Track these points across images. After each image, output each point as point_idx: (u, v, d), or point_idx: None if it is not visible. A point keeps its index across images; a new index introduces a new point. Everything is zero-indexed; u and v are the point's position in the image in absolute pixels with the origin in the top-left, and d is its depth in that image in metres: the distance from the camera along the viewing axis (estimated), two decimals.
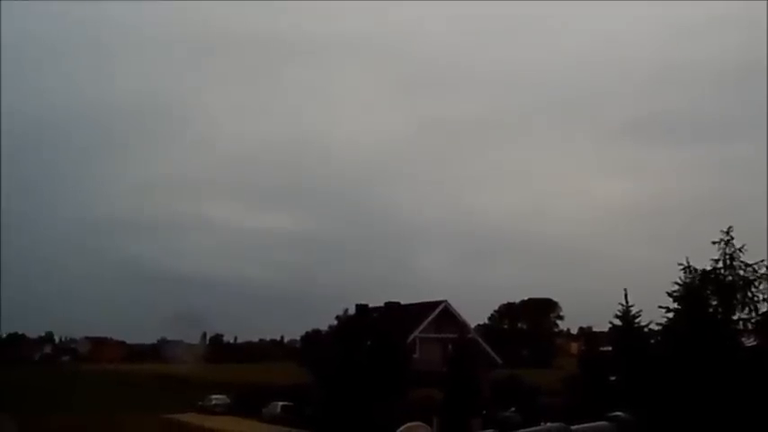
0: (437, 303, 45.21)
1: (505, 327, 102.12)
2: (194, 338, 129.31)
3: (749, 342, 20.57)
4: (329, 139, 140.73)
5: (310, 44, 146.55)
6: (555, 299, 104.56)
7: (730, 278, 20.66)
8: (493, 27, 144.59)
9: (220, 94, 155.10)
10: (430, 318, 44.20)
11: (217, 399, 45.53)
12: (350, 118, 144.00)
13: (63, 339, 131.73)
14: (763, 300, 20.33)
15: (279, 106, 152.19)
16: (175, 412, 40.50)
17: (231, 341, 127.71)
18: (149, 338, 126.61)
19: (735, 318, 20.59)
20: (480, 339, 47.65)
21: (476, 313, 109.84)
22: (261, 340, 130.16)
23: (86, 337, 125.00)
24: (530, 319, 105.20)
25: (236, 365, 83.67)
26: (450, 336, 40.06)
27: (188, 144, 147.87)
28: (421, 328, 43.55)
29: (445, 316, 44.68)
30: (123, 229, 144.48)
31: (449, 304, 45.26)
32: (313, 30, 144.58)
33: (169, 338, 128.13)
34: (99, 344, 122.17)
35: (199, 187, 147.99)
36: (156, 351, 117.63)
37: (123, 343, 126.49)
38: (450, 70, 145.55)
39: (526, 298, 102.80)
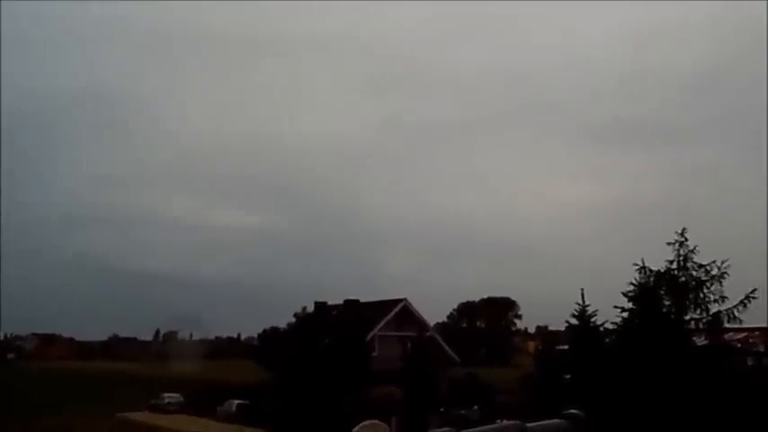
0: (397, 302, 45.18)
1: (464, 325, 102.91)
2: (147, 335, 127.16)
3: (700, 341, 21.00)
4: (293, 137, 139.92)
5: (278, 42, 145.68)
6: (513, 298, 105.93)
7: (683, 279, 21.05)
8: (463, 29, 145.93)
9: (184, 89, 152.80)
10: (389, 316, 44.15)
11: (170, 397, 44.67)
12: (316, 116, 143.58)
13: (8, 336, 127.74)
14: (714, 300, 20.76)
15: (244, 103, 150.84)
16: (127, 411, 39.59)
17: (186, 338, 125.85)
18: (100, 335, 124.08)
19: (687, 318, 20.98)
20: (439, 337, 47.83)
21: (435, 312, 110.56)
22: (217, 338, 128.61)
23: (33, 334, 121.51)
24: (488, 318, 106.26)
25: (190, 363, 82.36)
26: (410, 334, 40.12)
27: (148, 138, 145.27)
28: (380, 326, 43.46)
29: (405, 314, 44.69)
30: (75, 224, 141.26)
31: (408, 303, 45.29)
32: (281, 28, 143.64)
33: (121, 335, 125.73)
34: (47, 341, 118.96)
35: (156, 182, 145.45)
36: (107, 348, 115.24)
37: (72, 340, 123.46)
38: (418, 70, 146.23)
39: (485, 297, 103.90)
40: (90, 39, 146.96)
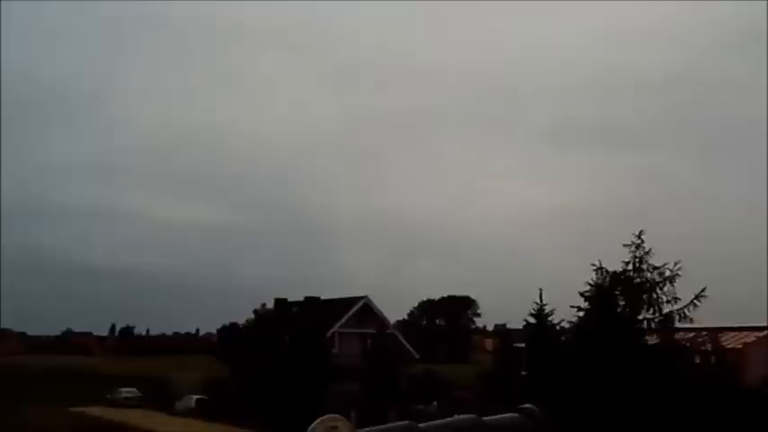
0: (358, 299, 45.35)
1: (424, 323, 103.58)
2: (102, 330, 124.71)
3: (652, 340, 21.63)
4: (253, 130, 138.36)
5: (237, 31, 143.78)
6: (473, 296, 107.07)
7: (638, 280, 21.65)
8: (426, 25, 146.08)
9: (139, 79, 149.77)
10: (350, 313, 44.29)
11: (127, 392, 44.18)
12: (276, 108, 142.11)
13: None
14: (667, 301, 21.43)
15: (201, 93, 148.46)
16: (83, 405, 38.93)
17: (143, 334, 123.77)
18: (54, 330, 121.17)
19: (640, 317, 21.60)
20: (399, 334, 48.16)
21: (396, 309, 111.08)
22: (175, 333, 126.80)
23: None
24: (448, 316, 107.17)
25: (147, 358, 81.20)
26: (370, 331, 40.34)
27: (101, 129, 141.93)
28: (341, 323, 43.57)
29: (366, 311, 44.88)
30: (26, 216, 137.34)
31: (369, 300, 45.50)
32: (240, 16, 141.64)
33: (75, 330, 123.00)
34: None
35: (112, 174, 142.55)
36: (61, 343, 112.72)
37: (24, 334, 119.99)
38: (379, 66, 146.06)
39: (445, 295, 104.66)
40: (37, 24, 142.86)
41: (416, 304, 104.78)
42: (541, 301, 23.85)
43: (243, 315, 48.24)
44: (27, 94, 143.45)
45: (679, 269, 21.30)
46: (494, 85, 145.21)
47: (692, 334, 22.67)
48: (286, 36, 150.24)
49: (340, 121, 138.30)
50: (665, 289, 21.47)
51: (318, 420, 2.83)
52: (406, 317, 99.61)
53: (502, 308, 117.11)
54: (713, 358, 21.98)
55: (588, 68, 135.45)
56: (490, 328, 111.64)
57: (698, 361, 21.98)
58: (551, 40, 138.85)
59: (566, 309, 22.58)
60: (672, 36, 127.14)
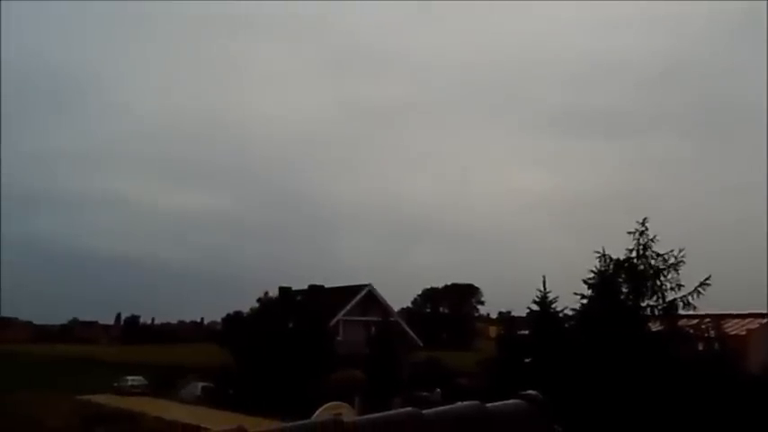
0: (361, 287, 45.50)
1: (428, 310, 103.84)
2: (108, 319, 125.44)
3: (655, 327, 21.67)
4: (253, 117, 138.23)
5: (235, 18, 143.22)
6: (476, 284, 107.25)
7: (642, 267, 21.65)
8: (420, 12, 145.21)
9: (137, 65, 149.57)
10: (354, 301, 44.46)
11: (133, 380, 44.46)
12: (275, 96, 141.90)
13: None
14: (671, 288, 21.43)
15: (200, 80, 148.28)
16: (89, 394, 39.19)
17: (148, 322, 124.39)
18: (59, 319, 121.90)
19: (644, 305, 21.63)
20: (402, 322, 48.34)
21: (400, 297, 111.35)
22: (180, 322, 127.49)
23: None
24: (451, 304, 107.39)
25: (153, 347, 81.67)
26: (374, 319, 40.49)
27: (106, 116, 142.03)
28: (345, 310, 43.75)
29: (369, 299, 45.04)
30: (32, 205, 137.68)
31: (373, 288, 45.65)
32: (239, 5, 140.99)
33: (81, 319, 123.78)
34: (2, 324, 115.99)
35: (119, 163, 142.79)
36: (67, 332, 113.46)
37: (30, 323, 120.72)
38: (376, 54, 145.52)
39: (449, 283, 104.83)
40: (33, 10, 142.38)
41: (420, 292, 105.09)
42: (545, 288, 23.88)
43: (247, 304, 48.47)
44: (27, 83, 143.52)
45: (683, 256, 21.32)
46: (494, 72, 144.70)
47: (695, 321, 22.69)
48: (286, 25, 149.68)
49: (342, 110, 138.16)
50: (669, 276, 21.49)
51: (323, 407, 2.87)
52: (409, 305, 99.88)
53: (506, 296, 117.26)
54: (716, 345, 22.01)
55: (588, 54, 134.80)
56: (494, 315, 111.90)
57: (701, 348, 22.01)
58: (551, 27, 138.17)
59: (569, 296, 22.64)
60: (671, 20, 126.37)
